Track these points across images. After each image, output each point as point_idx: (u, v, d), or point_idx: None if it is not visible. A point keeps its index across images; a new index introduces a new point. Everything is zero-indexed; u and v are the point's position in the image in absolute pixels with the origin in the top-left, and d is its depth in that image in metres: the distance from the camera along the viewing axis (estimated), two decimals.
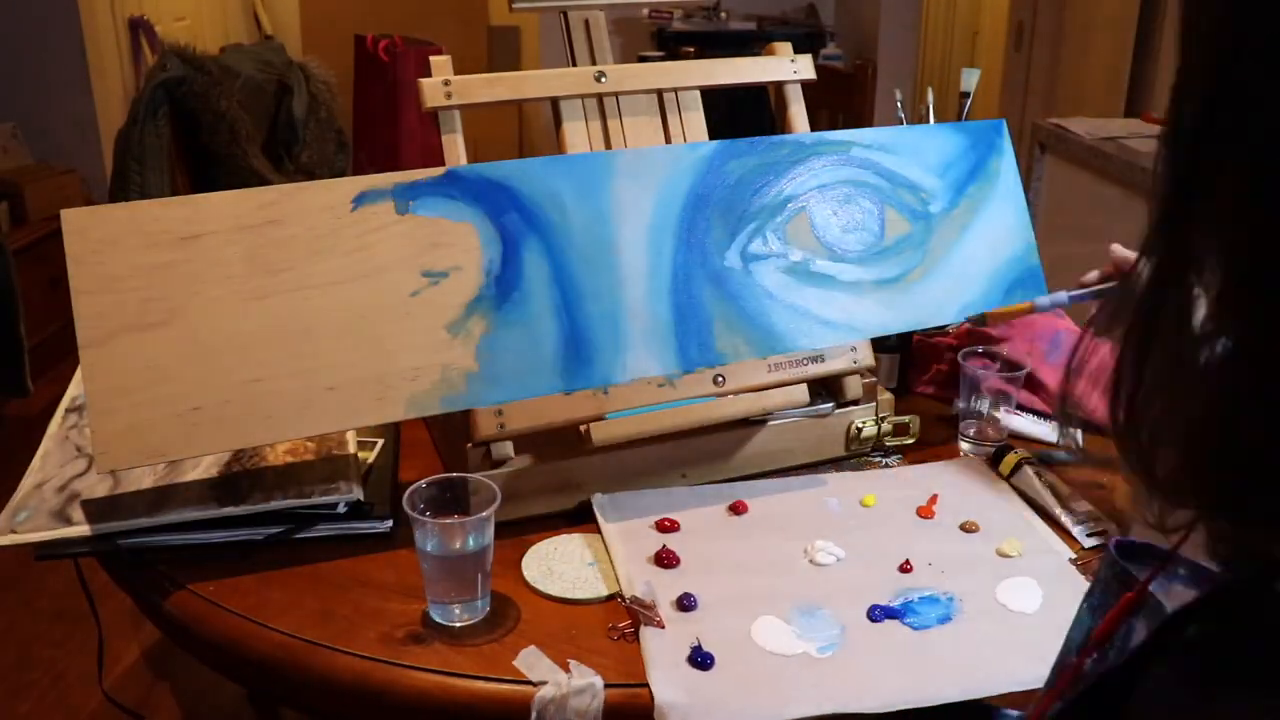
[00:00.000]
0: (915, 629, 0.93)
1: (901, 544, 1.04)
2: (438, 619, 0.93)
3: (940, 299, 1.22)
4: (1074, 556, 1.03)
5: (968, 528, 1.07)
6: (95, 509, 1.02)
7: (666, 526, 1.06)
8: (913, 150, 1.25)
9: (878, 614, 0.94)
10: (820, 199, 1.19)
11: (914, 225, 1.23)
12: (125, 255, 0.97)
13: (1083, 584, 0.99)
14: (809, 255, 1.17)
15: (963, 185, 1.26)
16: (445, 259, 1.04)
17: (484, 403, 1.03)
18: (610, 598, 0.97)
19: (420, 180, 1.06)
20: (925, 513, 1.10)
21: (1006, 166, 1.29)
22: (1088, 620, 0.63)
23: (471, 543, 0.92)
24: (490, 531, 0.93)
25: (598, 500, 1.08)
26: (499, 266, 1.06)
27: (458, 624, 0.93)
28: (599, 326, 1.08)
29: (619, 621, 0.93)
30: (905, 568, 1.01)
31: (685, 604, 0.94)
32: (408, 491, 0.94)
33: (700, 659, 0.87)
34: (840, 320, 1.17)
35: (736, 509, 1.10)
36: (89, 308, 0.95)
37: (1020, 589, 0.98)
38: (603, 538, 1.04)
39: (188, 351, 0.96)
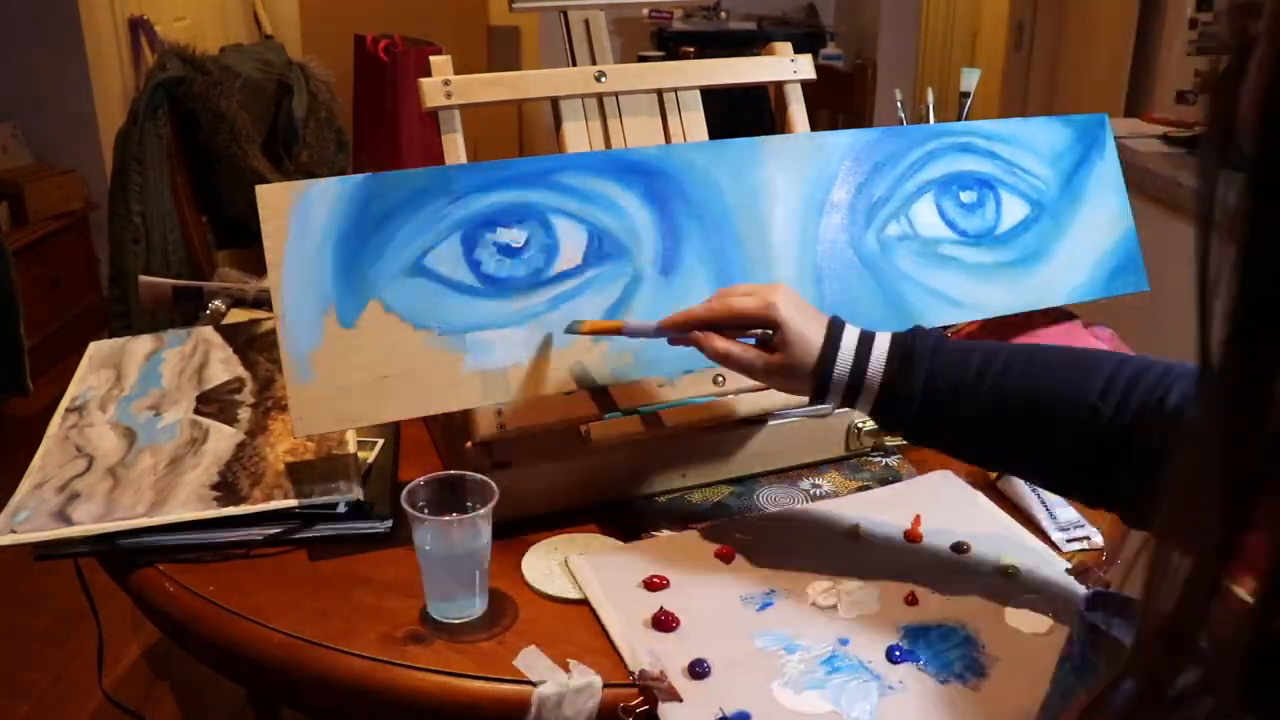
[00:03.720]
0: (940, 674, 0.87)
1: (900, 574, 0.99)
2: (435, 616, 0.93)
3: (1053, 281, 1.28)
4: (1069, 566, 1.02)
5: (959, 549, 1.04)
6: (95, 509, 1.02)
7: (656, 584, 0.97)
8: (1027, 141, 1.30)
9: (897, 655, 0.89)
10: (948, 186, 1.24)
11: (1030, 212, 1.28)
12: (315, 229, 1.01)
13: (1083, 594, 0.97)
14: (937, 238, 1.22)
15: (1071, 174, 1.32)
16: (612, 242, 1.09)
17: (650, 374, 1.09)
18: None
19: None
20: (913, 536, 1.06)
21: (1109, 157, 1.35)
22: (1072, 681, 0.61)
23: (469, 540, 0.92)
24: (488, 530, 0.93)
25: (575, 563, 1.00)
26: (662, 246, 1.10)
27: (454, 621, 0.93)
28: None
29: (630, 700, 0.85)
30: (910, 600, 0.96)
31: (698, 671, 0.86)
32: (406, 489, 0.94)
33: None
34: (968, 300, 1.22)
35: (723, 556, 1.02)
36: (281, 278, 0.99)
37: (1027, 610, 0.95)
38: (590, 606, 0.95)
39: (376, 322, 1.00)
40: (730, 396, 1.13)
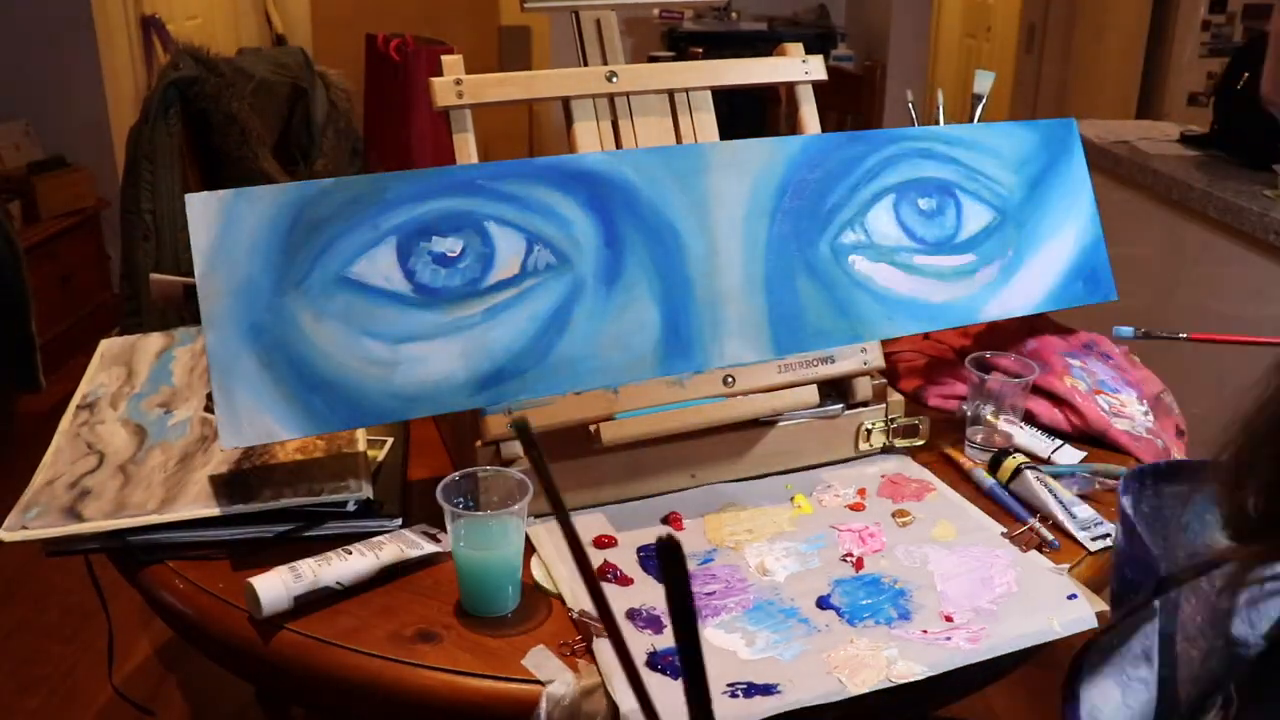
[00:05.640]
0: (857, 618, 0.94)
1: (840, 537, 1.07)
2: (469, 611, 0.94)
3: (1015, 291, 1.26)
4: (1005, 531, 1.07)
5: (899, 515, 1.10)
6: (105, 506, 1.03)
7: (604, 543, 1.05)
8: (990, 147, 1.28)
9: (826, 603, 0.96)
10: (906, 192, 1.22)
11: (993, 219, 1.26)
12: (246, 239, 1.00)
13: (1018, 558, 1.02)
14: (895, 246, 1.21)
15: (1037, 181, 1.30)
16: (551, 251, 1.07)
17: (587, 386, 1.07)
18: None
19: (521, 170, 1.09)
20: (856, 507, 1.12)
21: (1077, 163, 1.32)
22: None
23: (501, 537, 0.94)
24: (522, 527, 0.95)
25: (533, 530, 1.04)
26: (604, 255, 1.09)
27: (492, 615, 0.94)
28: (700, 313, 1.11)
29: (572, 638, 0.91)
30: (848, 558, 1.03)
31: (635, 615, 0.94)
32: (441, 484, 0.95)
33: (659, 664, 0.87)
34: (925, 310, 1.20)
35: (672, 522, 1.09)
36: (211, 289, 0.98)
37: (957, 569, 1.00)
38: (542, 561, 1.01)
39: (308, 333, 1.00)
40: (740, 397, 1.13)
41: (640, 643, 0.90)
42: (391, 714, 0.89)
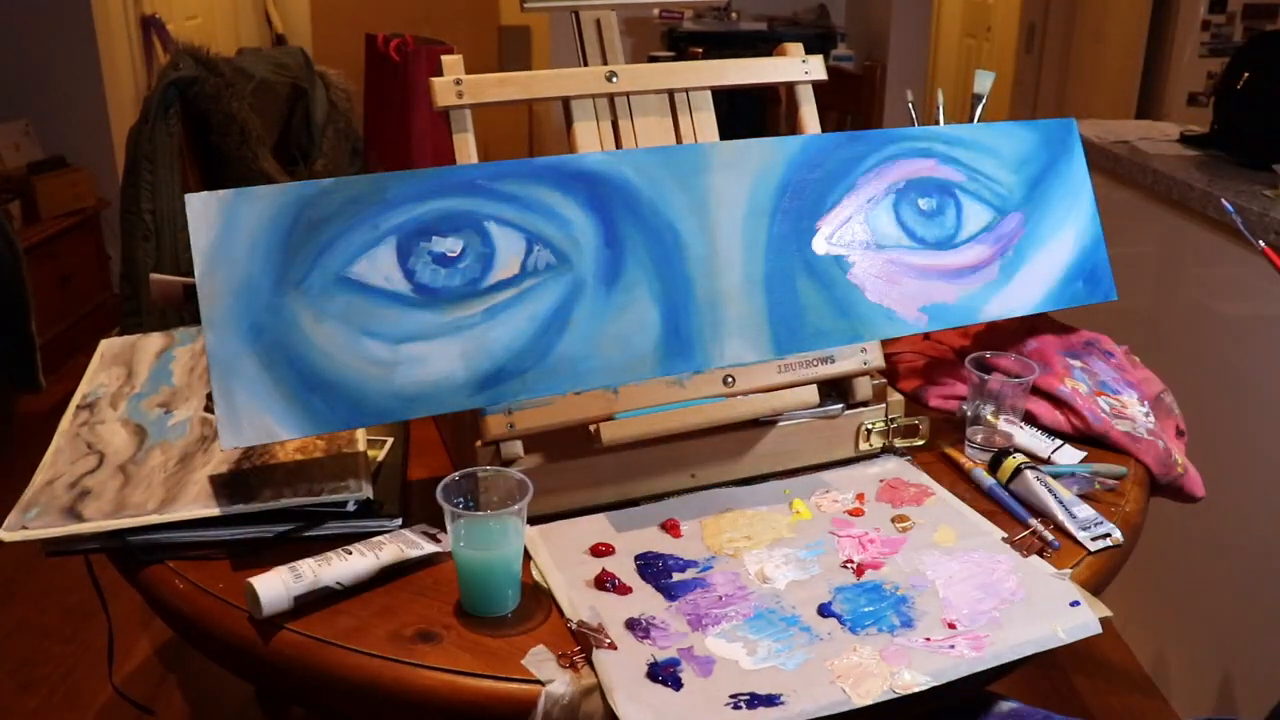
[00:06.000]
0: (859, 626, 0.93)
1: (839, 543, 1.06)
2: (469, 611, 0.94)
3: (1018, 290, 1.26)
4: (1005, 536, 1.06)
5: (899, 520, 1.09)
6: (105, 506, 1.03)
7: (601, 551, 1.03)
8: (990, 147, 1.28)
9: (827, 611, 0.95)
10: (905, 192, 1.22)
11: (992, 219, 1.27)
12: (246, 239, 0.99)
13: (1020, 563, 1.02)
14: (893, 246, 1.20)
15: (1036, 181, 1.30)
16: (551, 251, 1.07)
17: (587, 386, 1.07)
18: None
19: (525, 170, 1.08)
20: (855, 512, 1.11)
21: (1077, 162, 1.33)
22: None
23: (501, 537, 0.93)
24: (522, 526, 0.95)
25: (528, 534, 1.04)
26: (604, 255, 1.08)
27: (492, 615, 0.94)
28: (700, 313, 1.11)
29: (569, 649, 0.90)
30: (847, 565, 1.02)
31: (635, 626, 0.93)
32: (441, 484, 0.95)
33: (661, 675, 0.86)
34: (925, 311, 1.20)
35: (669, 529, 1.08)
36: (211, 289, 0.98)
37: (958, 575, 1.00)
38: (538, 568, 1.00)
39: (308, 334, 0.99)
40: (740, 397, 1.13)
41: (640, 653, 0.89)
42: (391, 714, 0.89)
